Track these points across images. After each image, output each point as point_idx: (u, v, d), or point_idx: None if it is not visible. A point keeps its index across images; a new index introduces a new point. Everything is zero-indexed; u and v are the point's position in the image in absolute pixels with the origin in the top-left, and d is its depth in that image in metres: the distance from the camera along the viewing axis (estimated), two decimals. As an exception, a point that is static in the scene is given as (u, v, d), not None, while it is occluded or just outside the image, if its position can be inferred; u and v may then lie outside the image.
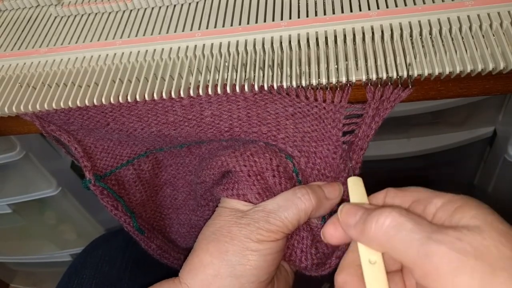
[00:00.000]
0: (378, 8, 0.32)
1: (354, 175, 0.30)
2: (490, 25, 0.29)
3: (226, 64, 0.33)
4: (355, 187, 0.28)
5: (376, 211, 0.23)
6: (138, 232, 0.39)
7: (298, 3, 0.35)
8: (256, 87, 0.31)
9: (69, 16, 0.40)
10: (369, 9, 0.32)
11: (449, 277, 0.20)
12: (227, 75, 0.32)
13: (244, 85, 0.31)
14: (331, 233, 0.27)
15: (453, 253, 0.20)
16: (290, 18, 0.34)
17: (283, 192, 0.32)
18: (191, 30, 0.35)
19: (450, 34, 0.30)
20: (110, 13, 0.39)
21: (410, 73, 0.29)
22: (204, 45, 0.34)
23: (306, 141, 0.33)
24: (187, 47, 0.34)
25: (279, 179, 0.33)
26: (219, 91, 0.31)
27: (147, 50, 0.35)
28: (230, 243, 0.30)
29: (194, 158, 0.41)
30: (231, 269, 0.29)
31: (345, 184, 0.31)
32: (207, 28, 0.35)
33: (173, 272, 0.47)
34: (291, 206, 0.30)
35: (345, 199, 0.32)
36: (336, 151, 0.32)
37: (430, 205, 0.24)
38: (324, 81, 0.30)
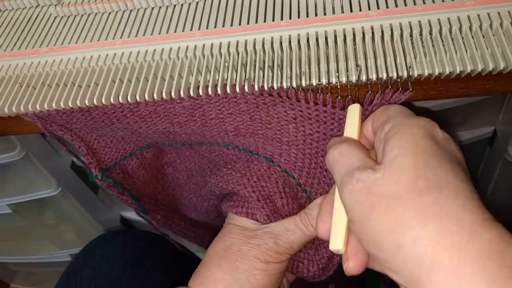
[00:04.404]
0: (378, 8, 0.32)
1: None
2: (490, 25, 0.29)
3: (226, 64, 0.33)
4: (352, 115, 0.29)
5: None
6: (144, 213, 0.42)
7: (298, 3, 0.35)
8: (256, 88, 0.31)
9: (69, 16, 0.40)
10: (369, 9, 0.32)
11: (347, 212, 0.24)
12: (227, 75, 0.32)
13: (244, 85, 0.31)
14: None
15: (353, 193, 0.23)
16: (290, 18, 0.34)
17: (291, 216, 0.33)
18: (191, 30, 0.35)
19: (450, 34, 0.30)
20: (110, 13, 0.39)
21: (410, 73, 0.29)
22: (204, 45, 0.34)
23: (308, 143, 0.33)
24: (187, 47, 0.34)
25: (287, 199, 0.34)
26: (219, 91, 0.31)
27: (147, 50, 0.35)
28: (241, 261, 0.31)
29: (194, 152, 0.43)
30: (240, 287, 0.31)
31: None
32: (207, 28, 0.35)
33: (172, 272, 0.47)
34: (297, 230, 0.32)
35: None
36: None
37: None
38: (324, 81, 0.30)
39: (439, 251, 0.19)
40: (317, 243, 0.36)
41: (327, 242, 0.35)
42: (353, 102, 0.30)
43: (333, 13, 0.33)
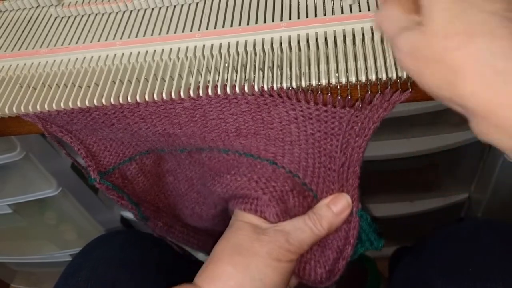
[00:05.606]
0: (377, 8, 0.32)
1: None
2: (490, 26, 0.29)
3: (226, 65, 0.33)
4: None
5: None
6: (143, 220, 0.42)
7: (298, 4, 0.35)
8: (256, 88, 0.31)
9: (69, 17, 0.40)
10: (368, 10, 0.32)
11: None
12: (227, 76, 0.32)
13: (244, 86, 0.31)
14: None
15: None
16: (290, 19, 0.34)
17: (299, 216, 0.34)
18: (191, 31, 0.35)
19: (450, 35, 0.30)
20: (110, 14, 0.39)
21: (410, 73, 0.29)
22: (204, 45, 0.34)
23: (310, 142, 0.33)
24: (187, 47, 0.34)
25: (298, 199, 0.35)
26: (219, 91, 0.31)
27: (147, 51, 0.35)
28: (253, 258, 0.31)
29: (194, 161, 0.42)
30: (252, 283, 0.31)
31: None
32: (207, 28, 0.35)
33: (170, 274, 0.46)
34: (307, 230, 0.33)
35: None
36: (338, 144, 0.33)
37: None
38: (324, 82, 0.30)
39: None
40: (323, 246, 0.36)
41: (333, 244, 0.35)
42: (354, 102, 0.30)
43: (333, 13, 0.33)
